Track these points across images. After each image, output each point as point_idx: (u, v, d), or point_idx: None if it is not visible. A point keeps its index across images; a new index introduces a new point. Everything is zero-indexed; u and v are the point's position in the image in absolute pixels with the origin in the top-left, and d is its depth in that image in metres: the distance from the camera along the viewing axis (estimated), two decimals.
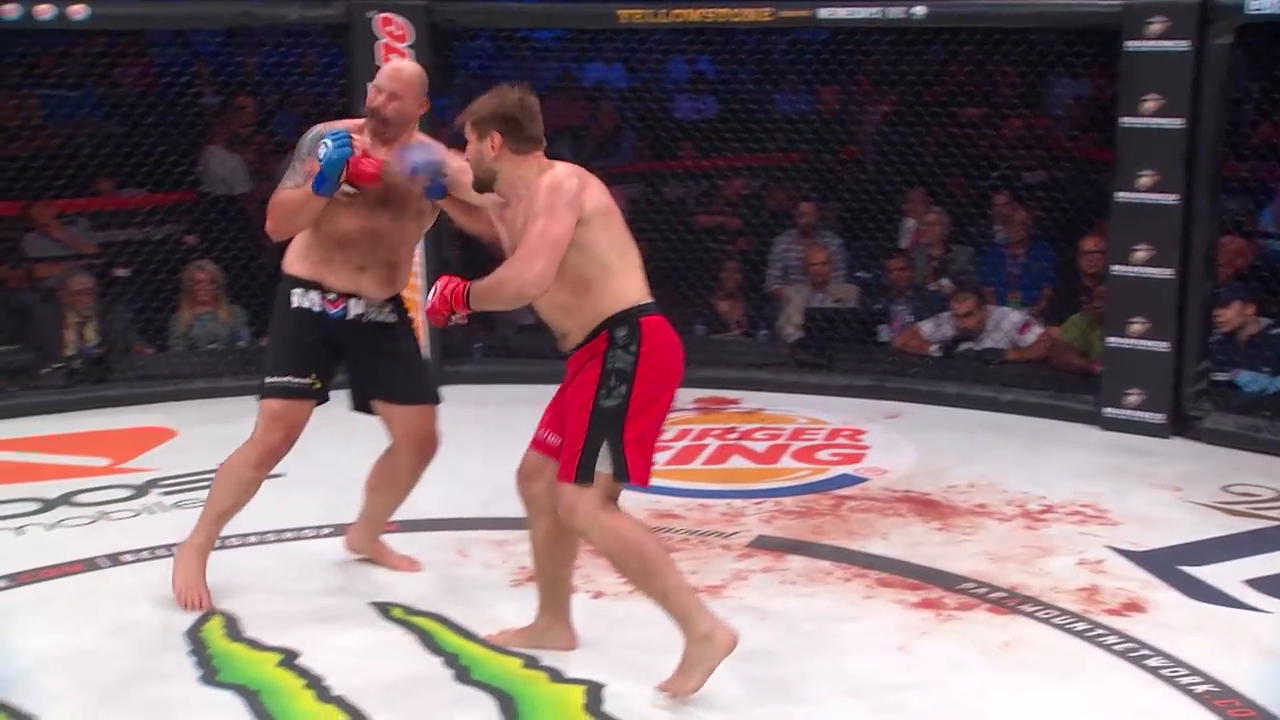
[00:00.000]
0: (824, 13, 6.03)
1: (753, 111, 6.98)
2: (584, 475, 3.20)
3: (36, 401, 5.79)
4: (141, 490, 4.85)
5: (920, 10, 5.89)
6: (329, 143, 3.62)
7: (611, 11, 6.14)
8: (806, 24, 6.32)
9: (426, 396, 4.00)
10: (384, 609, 3.83)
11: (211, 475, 4.90)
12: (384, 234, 3.82)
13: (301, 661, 3.48)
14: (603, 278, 3.21)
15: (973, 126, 6.76)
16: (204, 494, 4.73)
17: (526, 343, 6.57)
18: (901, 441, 5.56)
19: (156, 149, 6.59)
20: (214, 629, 3.71)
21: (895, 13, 5.93)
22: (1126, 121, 5.57)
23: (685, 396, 6.16)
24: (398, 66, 3.87)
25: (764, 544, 4.35)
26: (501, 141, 3.23)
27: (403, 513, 4.45)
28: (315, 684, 3.36)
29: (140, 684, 3.39)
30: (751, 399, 6.20)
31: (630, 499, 4.69)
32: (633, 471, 3.21)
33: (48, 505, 4.67)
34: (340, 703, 3.25)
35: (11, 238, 6.87)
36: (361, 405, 4.06)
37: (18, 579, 4.05)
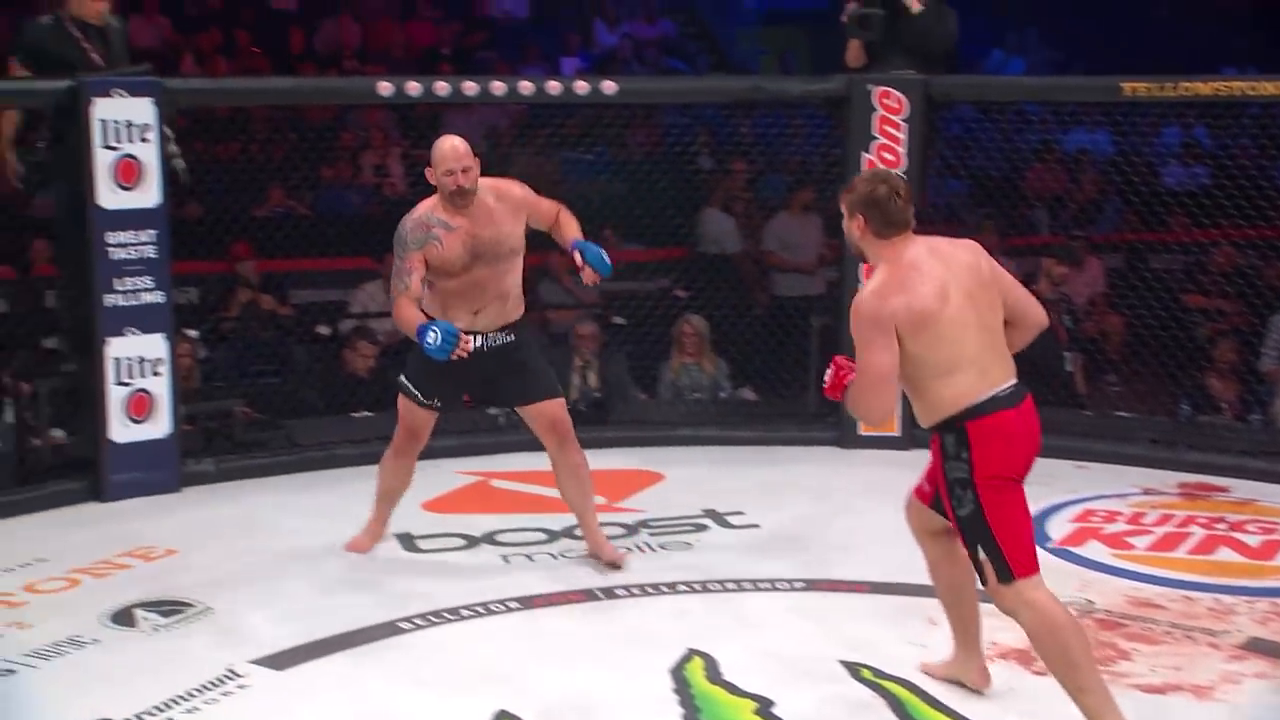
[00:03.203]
0: None
1: (1259, 184, 6.59)
2: (983, 578, 3.45)
3: None
4: (632, 529, 5.24)
5: None
6: (435, 340, 4.30)
7: (1115, 85, 6.03)
8: None
9: (546, 393, 4.71)
10: (854, 669, 3.95)
11: (694, 519, 5.34)
12: (486, 281, 4.56)
13: (776, 710, 3.66)
14: (927, 384, 3.39)
15: None
16: (687, 537, 5.17)
17: None
18: None
19: (656, 207, 7.11)
20: (696, 669, 3.96)
21: None
22: None
23: (1167, 479, 5.92)
24: (454, 144, 4.50)
25: (1259, 647, 4.12)
26: (865, 224, 3.46)
27: (874, 574, 4.58)
28: None
29: (629, 718, 3.69)
30: (1243, 488, 5.83)
31: (1109, 584, 4.65)
32: (1016, 569, 3.39)
33: (553, 536, 5.15)
34: None
35: (530, 285, 7.60)
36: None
37: (531, 602, 4.51)
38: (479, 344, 4.52)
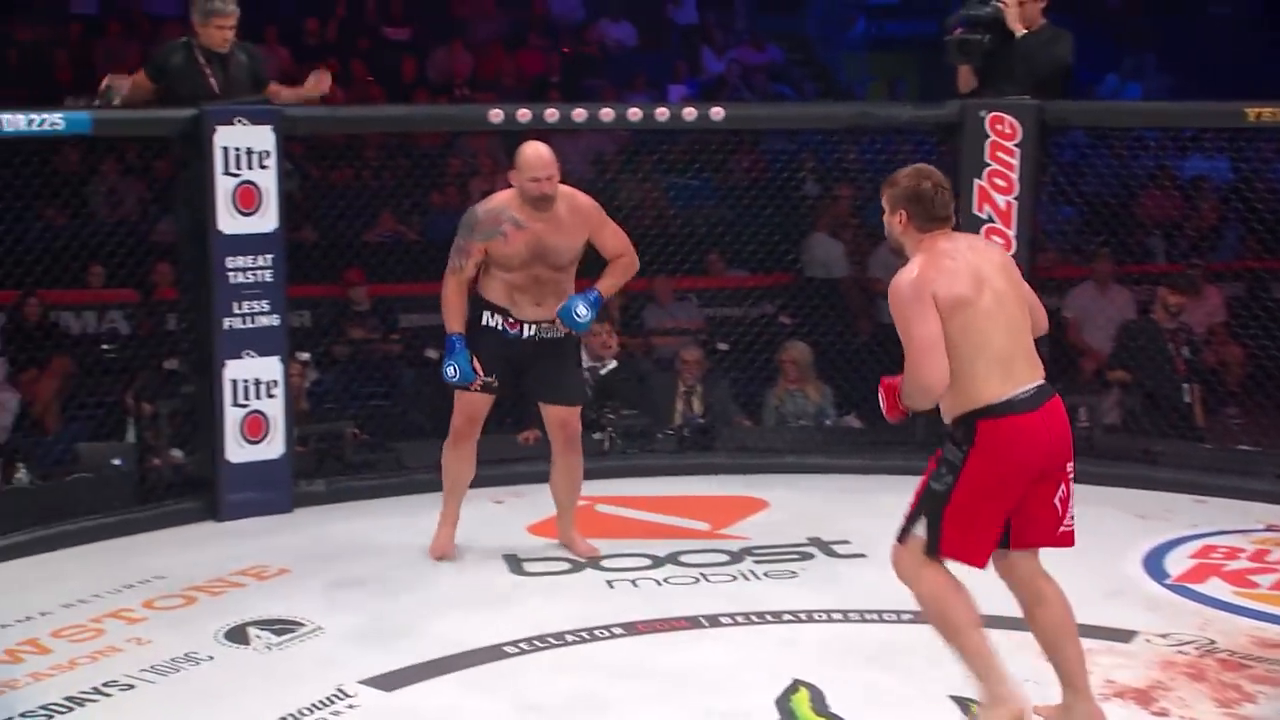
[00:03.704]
0: None
1: None
2: (902, 536, 3.57)
3: (650, 464, 6.36)
4: (737, 557, 5.20)
5: None
6: (454, 376, 4.77)
7: (1239, 110, 5.88)
8: None
9: (569, 398, 4.97)
10: (963, 704, 3.87)
11: (800, 547, 5.30)
12: (547, 279, 4.79)
13: None
14: (953, 379, 3.39)
15: None
16: (791, 565, 5.12)
17: (1114, 444, 6.39)
18: None
19: (761, 233, 7.09)
20: (802, 700, 3.92)
21: None
22: None
23: None
24: (539, 152, 4.69)
25: None
26: (907, 219, 3.49)
27: (981, 607, 4.48)
28: None
29: None
30: None
31: (1231, 623, 4.50)
32: (944, 548, 3.50)
33: (657, 562, 5.13)
34: None
35: (635, 310, 7.63)
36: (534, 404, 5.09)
37: (634, 628, 4.50)
38: (530, 334, 4.83)
